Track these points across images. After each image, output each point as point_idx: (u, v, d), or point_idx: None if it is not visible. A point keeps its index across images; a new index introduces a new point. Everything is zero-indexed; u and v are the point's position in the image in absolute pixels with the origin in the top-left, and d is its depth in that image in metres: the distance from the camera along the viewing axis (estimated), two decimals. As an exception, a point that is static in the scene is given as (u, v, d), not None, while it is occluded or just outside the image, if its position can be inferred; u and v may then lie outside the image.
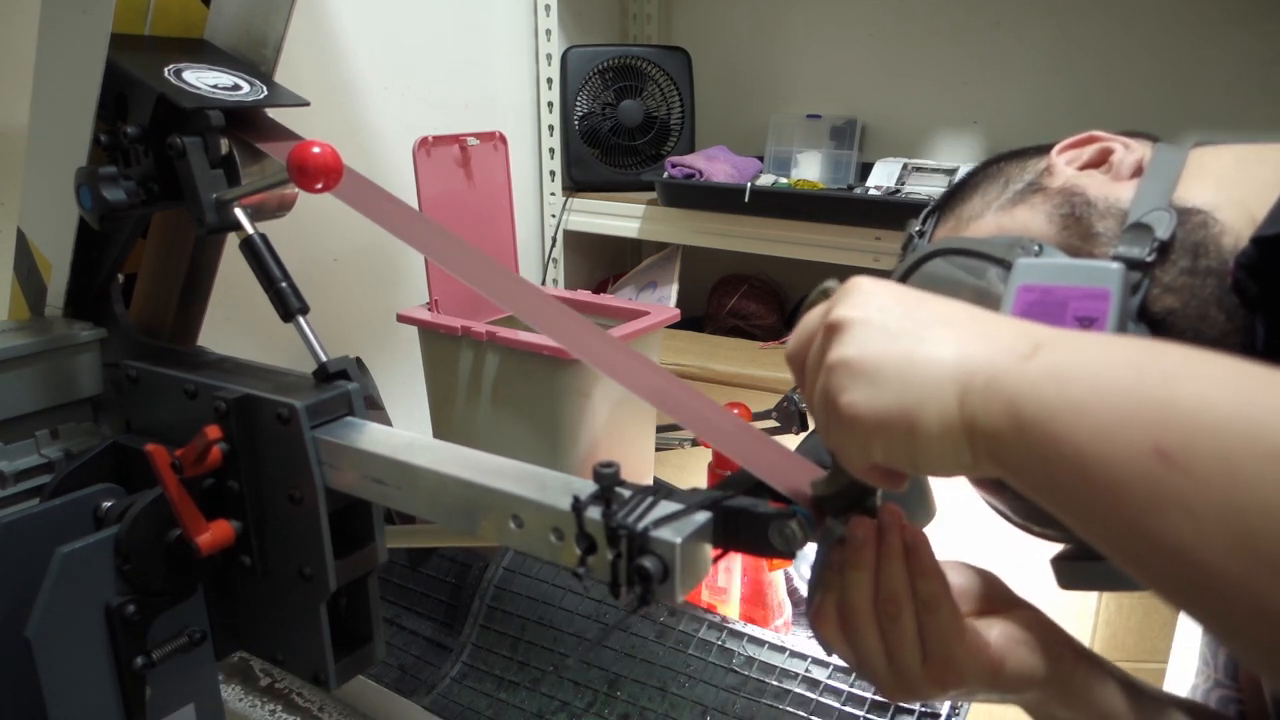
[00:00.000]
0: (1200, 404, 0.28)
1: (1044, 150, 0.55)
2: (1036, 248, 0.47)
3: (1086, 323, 0.44)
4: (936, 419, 0.35)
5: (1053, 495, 0.32)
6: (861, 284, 0.39)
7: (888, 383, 0.36)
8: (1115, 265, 0.44)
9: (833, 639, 0.45)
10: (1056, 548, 0.53)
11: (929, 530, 0.47)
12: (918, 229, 0.58)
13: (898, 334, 0.37)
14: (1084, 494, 0.31)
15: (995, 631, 0.47)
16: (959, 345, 0.35)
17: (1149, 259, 0.45)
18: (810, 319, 0.41)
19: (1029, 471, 0.33)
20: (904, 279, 0.53)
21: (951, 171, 1.31)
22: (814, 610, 0.46)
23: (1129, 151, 0.51)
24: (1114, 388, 0.30)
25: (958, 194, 0.57)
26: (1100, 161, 0.52)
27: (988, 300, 0.47)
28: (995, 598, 0.50)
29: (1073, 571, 0.52)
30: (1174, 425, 0.28)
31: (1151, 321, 0.45)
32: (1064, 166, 0.53)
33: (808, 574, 1.05)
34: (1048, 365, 0.33)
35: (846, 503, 0.43)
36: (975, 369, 0.34)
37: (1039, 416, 0.32)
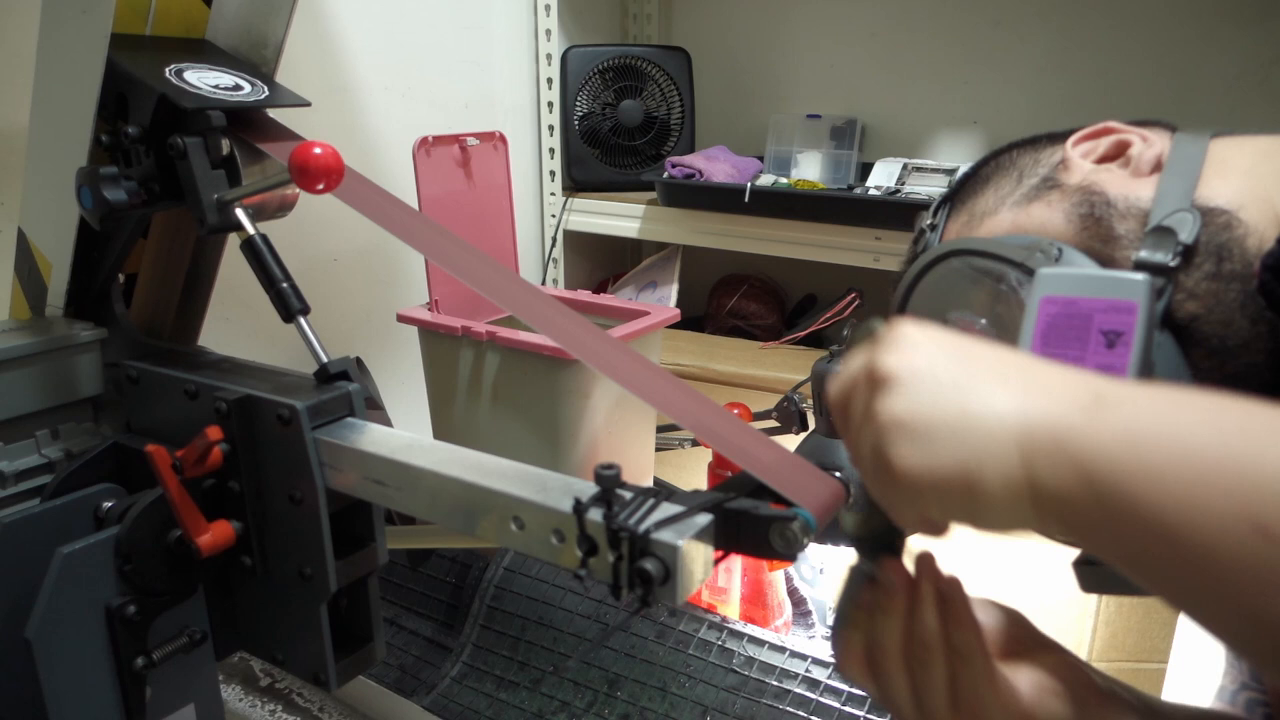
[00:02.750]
0: None
1: (1056, 140, 0.53)
2: (1056, 250, 0.46)
3: (1113, 336, 0.43)
4: (998, 479, 0.33)
5: (1129, 560, 0.31)
6: (908, 332, 0.38)
7: (943, 441, 0.34)
8: (1141, 277, 0.43)
9: (858, 677, 0.44)
10: (1074, 552, 0.53)
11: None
12: (929, 222, 0.56)
13: (949, 387, 0.35)
14: (1170, 564, 0.29)
15: (1024, 679, 0.45)
16: (1016, 398, 0.34)
17: (1173, 264, 0.44)
18: (854, 364, 0.39)
19: (1102, 536, 0.31)
20: (919, 278, 0.51)
21: (951, 171, 1.31)
22: (841, 648, 0.45)
23: (1148, 146, 0.50)
24: (1194, 451, 0.29)
25: (969, 186, 0.56)
26: (1117, 155, 0.51)
27: (1005, 303, 0.46)
28: (1023, 638, 0.48)
29: (1095, 576, 0.50)
30: (1271, 498, 0.27)
31: (1175, 328, 0.44)
32: (1080, 160, 0.51)
33: (808, 575, 1.05)
34: (1116, 424, 0.31)
35: (878, 544, 0.43)
36: (1035, 424, 0.33)
37: (1113, 479, 0.30)
